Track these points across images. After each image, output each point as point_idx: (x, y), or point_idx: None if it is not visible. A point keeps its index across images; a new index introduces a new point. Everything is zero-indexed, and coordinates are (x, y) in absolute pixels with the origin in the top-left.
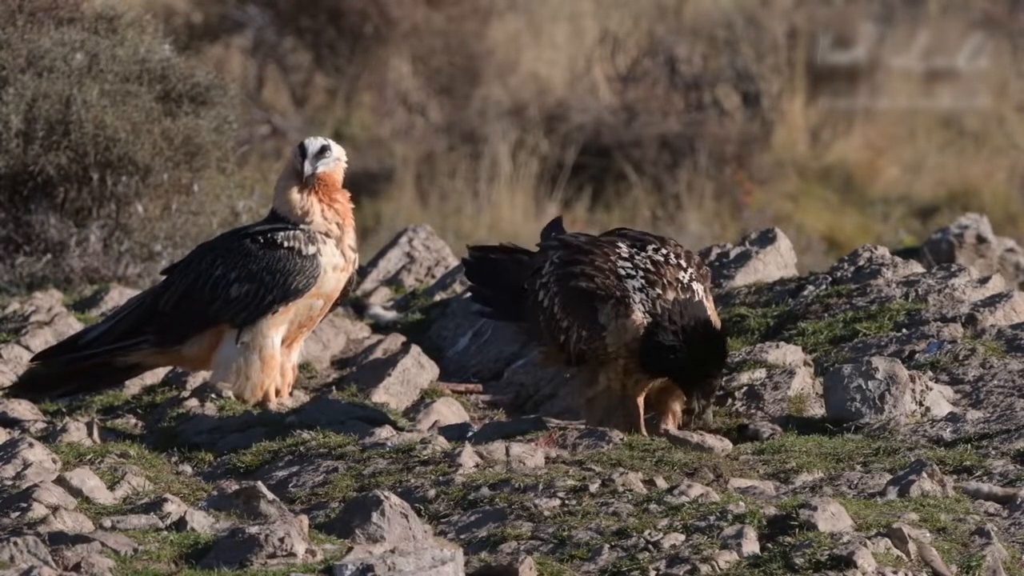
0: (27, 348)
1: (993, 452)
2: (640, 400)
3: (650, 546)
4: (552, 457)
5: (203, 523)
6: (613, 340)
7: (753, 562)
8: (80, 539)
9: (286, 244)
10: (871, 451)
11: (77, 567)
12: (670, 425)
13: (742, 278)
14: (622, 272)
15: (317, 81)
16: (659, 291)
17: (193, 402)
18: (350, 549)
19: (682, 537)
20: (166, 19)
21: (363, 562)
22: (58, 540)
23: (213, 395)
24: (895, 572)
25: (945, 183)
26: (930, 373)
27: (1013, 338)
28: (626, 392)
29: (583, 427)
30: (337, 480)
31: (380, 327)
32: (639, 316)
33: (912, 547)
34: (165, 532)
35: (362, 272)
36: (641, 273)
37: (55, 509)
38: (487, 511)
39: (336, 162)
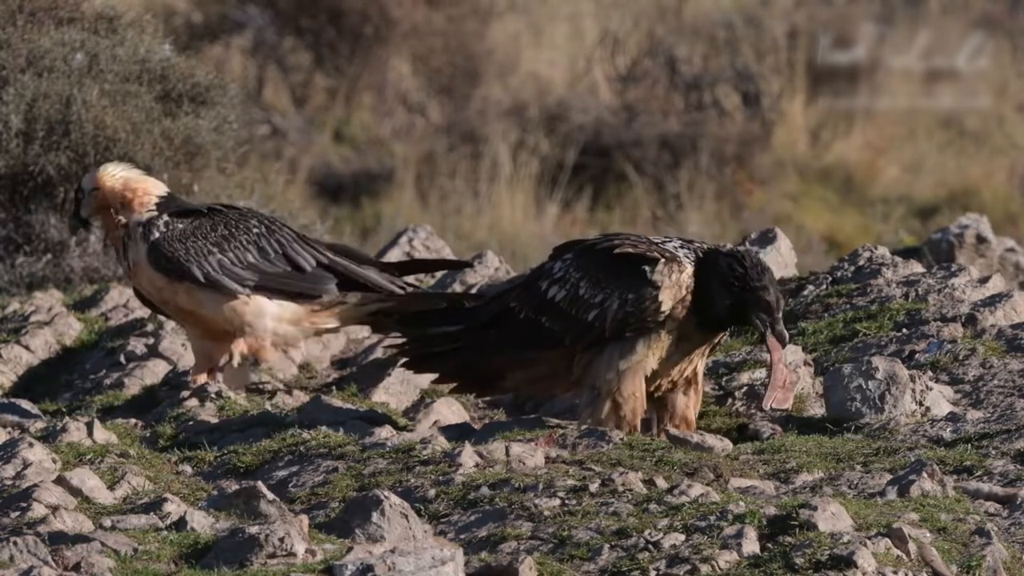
0: (27, 348)
1: (993, 452)
2: (644, 399)
3: (650, 546)
4: (552, 457)
5: (203, 523)
6: (667, 296)
7: (753, 562)
8: (80, 539)
9: None
10: (871, 451)
11: (77, 567)
12: (695, 405)
13: None
14: (657, 241)
15: (317, 81)
16: (697, 245)
17: (193, 402)
18: (350, 549)
19: (682, 537)
20: (166, 19)
21: (363, 562)
22: (58, 540)
23: (213, 395)
24: (895, 572)
25: (945, 183)
26: (930, 373)
27: (1013, 338)
28: (658, 362)
29: (583, 427)
30: (337, 480)
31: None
32: (691, 270)
33: (912, 547)
34: (165, 532)
35: None
36: (676, 239)
37: (55, 509)
38: (487, 511)
39: (91, 193)
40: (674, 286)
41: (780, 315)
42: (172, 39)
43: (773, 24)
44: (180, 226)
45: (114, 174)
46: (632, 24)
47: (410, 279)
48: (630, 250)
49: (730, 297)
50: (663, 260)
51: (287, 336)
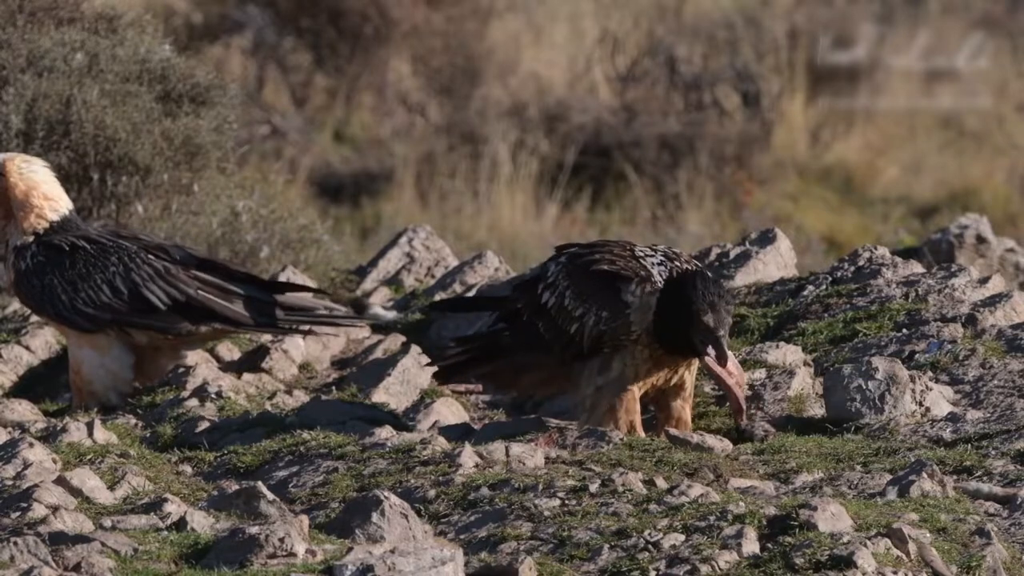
0: (27, 348)
1: (993, 452)
2: (637, 399)
3: (650, 546)
4: (552, 457)
5: (203, 523)
6: (638, 318)
7: (753, 562)
8: (80, 539)
9: None
10: (871, 451)
11: (77, 567)
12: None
13: (742, 278)
14: (640, 254)
15: (317, 81)
16: (677, 264)
17: (193, 402)
18: (350, 549)
19: (682, 537)
20: (166, 19)
21: (363, 562)
22: (58, 540)
23: (213, 395)
24: (895, 572)
25: (945, 183)
26: (930, 373)
27: (1013, 338)
28: (637, 379)
29: (582, 427)
30: (337, 480)
31: (380, 327)
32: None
33: (912, 547)
34: (165, 532)
35: (362, 272)
36: (660, 254)
37: (55, 509)
38: (487, 511)
39: None
40: (644, 307)
41: (724, 334)
42: (172, 39)
43: (773, 24)
44: (41, 259)
45: (25, 172)
46: (632, 24)
47: (410, 280)
48: (606, 267)
49: (678, 321)
50: (636, 280)
51: (118, 379)
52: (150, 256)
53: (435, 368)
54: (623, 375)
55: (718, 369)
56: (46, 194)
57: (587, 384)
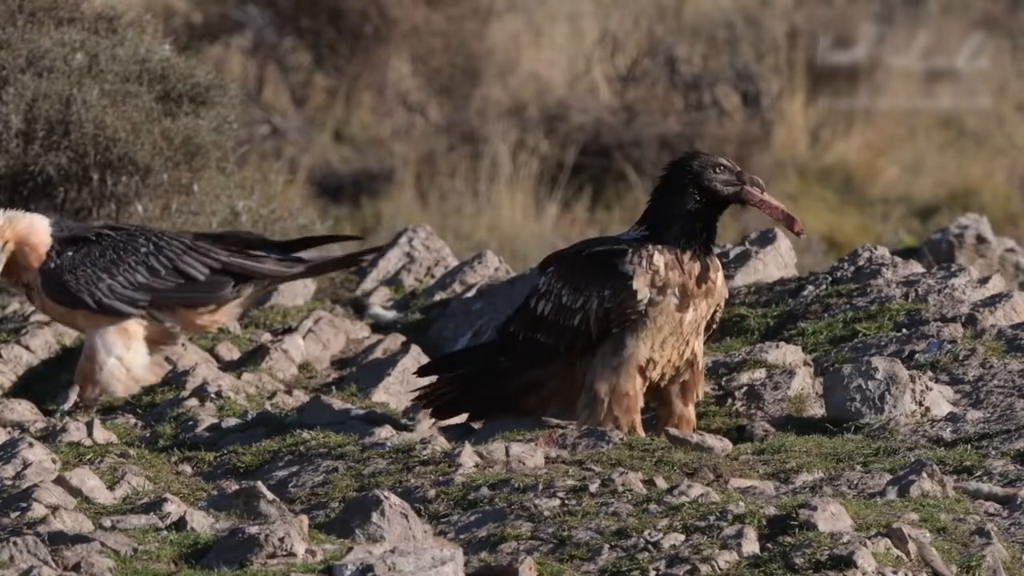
0: (27, 348)
1: (993, 452)
2: (640, 396)
3: (650, 546)
4: (552, 457)
5: (203, 523)
6: (641, 284)
7: (753, 562)
8: (80, 539)
9: None
10: (871, 451)
11: (77, 567)
12: (694, 407)
13: (742, 278)
14: (620, 236)
15: (317, 81)
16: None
17: (193, 402)
18: (350, 549)
19: (682, 537)
20: (166, 19)
21: (363, 562)
22: (58, 540)
23: (213, 395)
24: (895, 572)
25: (945, 183)
26: (930, 373)
27: (1013, 338)
28: (651, 352)
29: (582, 428)
30: (337, 480)
31: (380, 327)
32: (659, 257)
33: (912, 547)
34: (165, 532)
35: (362, 272)
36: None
37: (55, 509)
38: (487, 511)
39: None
40: (646, 273)
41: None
42: (172, 39)
43: (773, 24)
44: (69, 254)
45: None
46: (632, 24)
47: (410, 280)
48: (597, 248)
49: (689, 198)
50: (631, 250)
51: (131, 374)
52: (175, 237)
53: (427, 400)
54: (638, 351)
55: (760, 196)
56: (29, 230)
57: (603, 367)
